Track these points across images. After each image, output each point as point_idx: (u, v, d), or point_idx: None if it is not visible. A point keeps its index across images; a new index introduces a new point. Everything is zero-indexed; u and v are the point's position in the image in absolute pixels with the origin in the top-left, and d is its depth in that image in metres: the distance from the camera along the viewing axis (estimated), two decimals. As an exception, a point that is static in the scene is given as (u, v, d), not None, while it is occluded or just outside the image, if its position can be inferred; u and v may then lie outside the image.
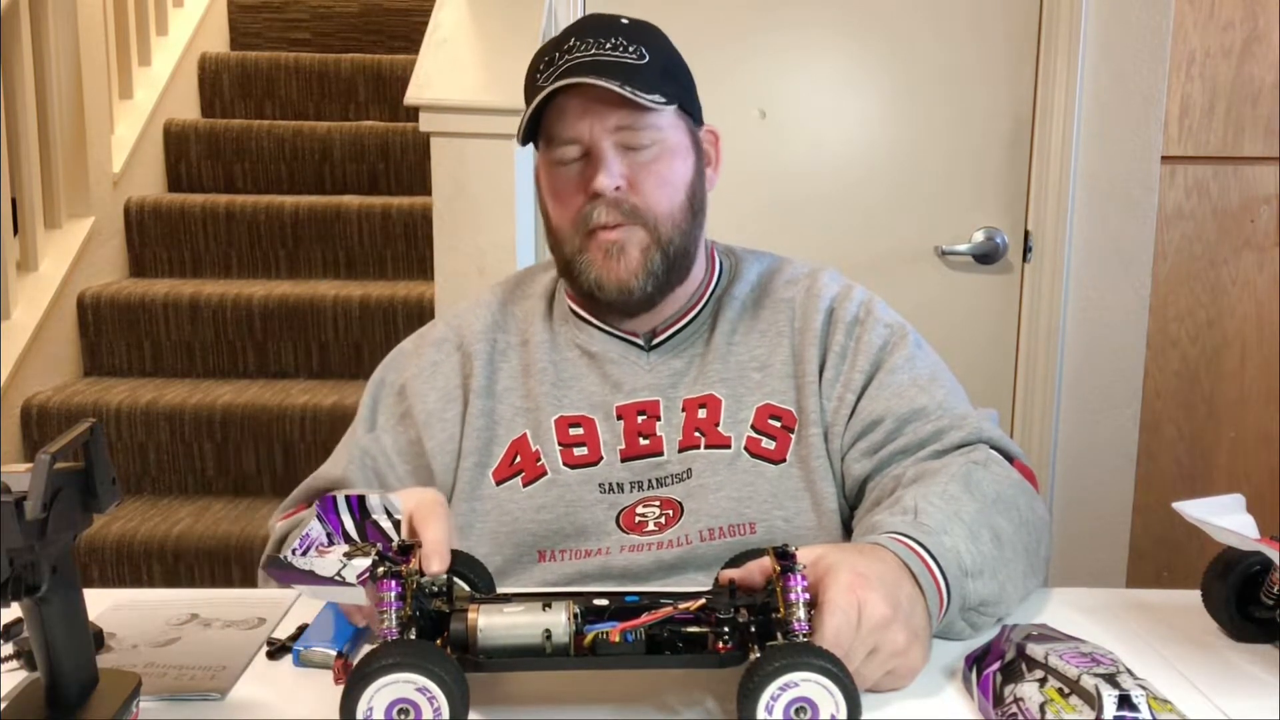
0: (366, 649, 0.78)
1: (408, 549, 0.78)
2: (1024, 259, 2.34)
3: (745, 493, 1.05)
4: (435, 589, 0.79)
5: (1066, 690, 0.70)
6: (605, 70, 1.01)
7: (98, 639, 0.86)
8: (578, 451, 1.07)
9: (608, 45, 1.04)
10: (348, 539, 0.83)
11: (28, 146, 2.48)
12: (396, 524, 0.84)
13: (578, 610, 0.73)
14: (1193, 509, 0.84)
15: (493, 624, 0.73)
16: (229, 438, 2.44)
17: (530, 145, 1.10)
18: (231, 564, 2.20)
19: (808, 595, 0.72)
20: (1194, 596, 0.91)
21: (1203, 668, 0.83)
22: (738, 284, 1.15)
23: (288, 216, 2.88)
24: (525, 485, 1.07)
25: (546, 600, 0.74)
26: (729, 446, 1.06)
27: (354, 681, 0.67)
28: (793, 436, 1.07)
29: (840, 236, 2.34)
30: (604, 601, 0.75)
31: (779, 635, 0.72)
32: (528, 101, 1.06)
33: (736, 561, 0.83)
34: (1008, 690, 0.73)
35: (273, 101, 3.44)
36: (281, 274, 2.91)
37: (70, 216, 2.70)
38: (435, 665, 0.67)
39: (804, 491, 1.06)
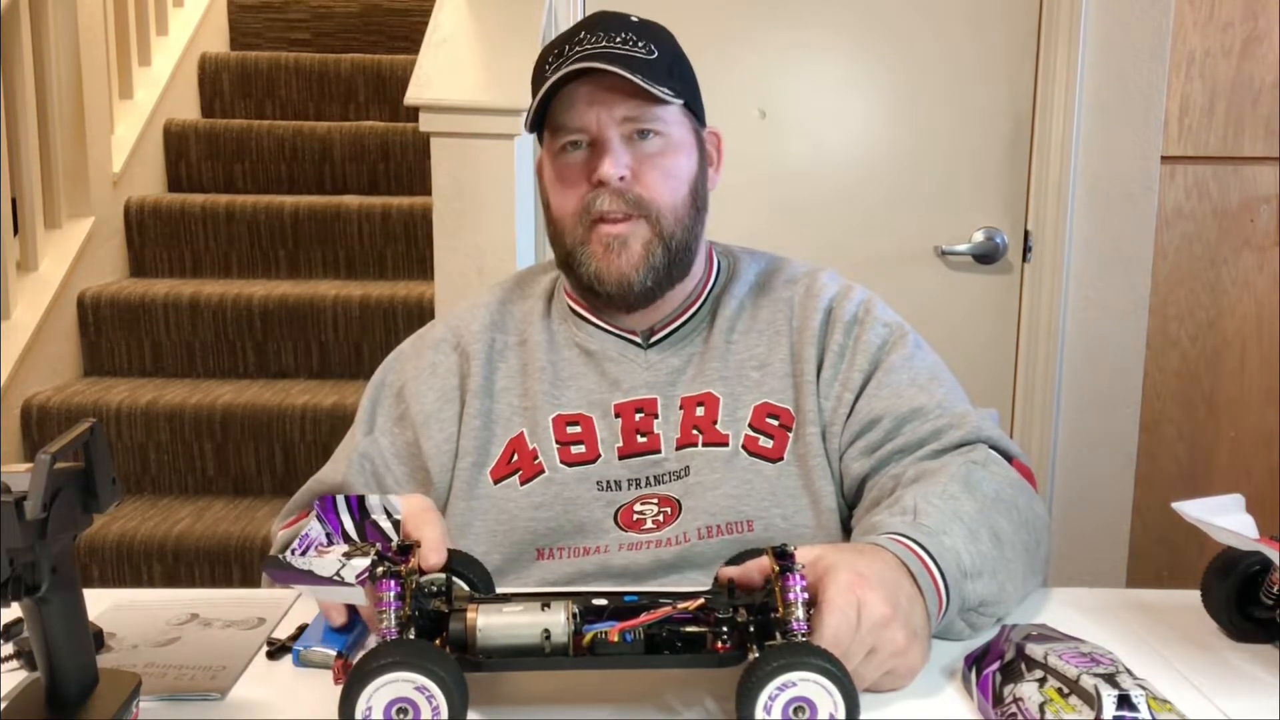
0: (366, 649, 0.78)
1: (406, 549, 0.78)
2: (1024, 259, 2.34)
3: (743, 490, 1.05)
4: (434, 589, 0.79)
5: (1066, 690, 0.70)
6: (615, 61, 1.02)
7: (98, 639, 0.86)
8: (575, 450, 1.07)
9: (618, 39, 1.04)
10: (347, 539, 0.83)
11: (28, 146, 2.48)
12: (396, 524, 0.84)
13: (576, 610, 0.73)
14: (1192, 509, 0.84)
15: (491, 624, 0.73)
16: (229, 438, 2.44)
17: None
18: (231, 564, 2.20)
19: (806, 595, 0.72)
20: (1194, 596, 0.91)
21: (1202, 668, 0.83)
22: (736, 283, 1.16)
23: (288, 216, 2.88)
24: (523, 484, 1.07)
25: (545, 600, 0.74)
26: (727, 445, 1.07)
27: (353, 681, 0.67)
28: (790, 435, 1.07)
29: (840, 236, 2.35)
30: (603, 601, 0.75)
31: (778, 635, 0.72)
32: (536, 90, 1.07)
33: (736, 561, 0.83)
34: (1007, 690, 0.73)
35: (273, 101, 3.44)
36: (281, 274, 2.91)
37: (70, 216, 2.70)
38: (434, 664, 0.67)
39: (802, 490, 1.06)
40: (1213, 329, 2.35)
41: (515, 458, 1.08)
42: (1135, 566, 2.38)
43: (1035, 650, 0.75)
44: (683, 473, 1.06)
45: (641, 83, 1.01)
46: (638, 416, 1.08)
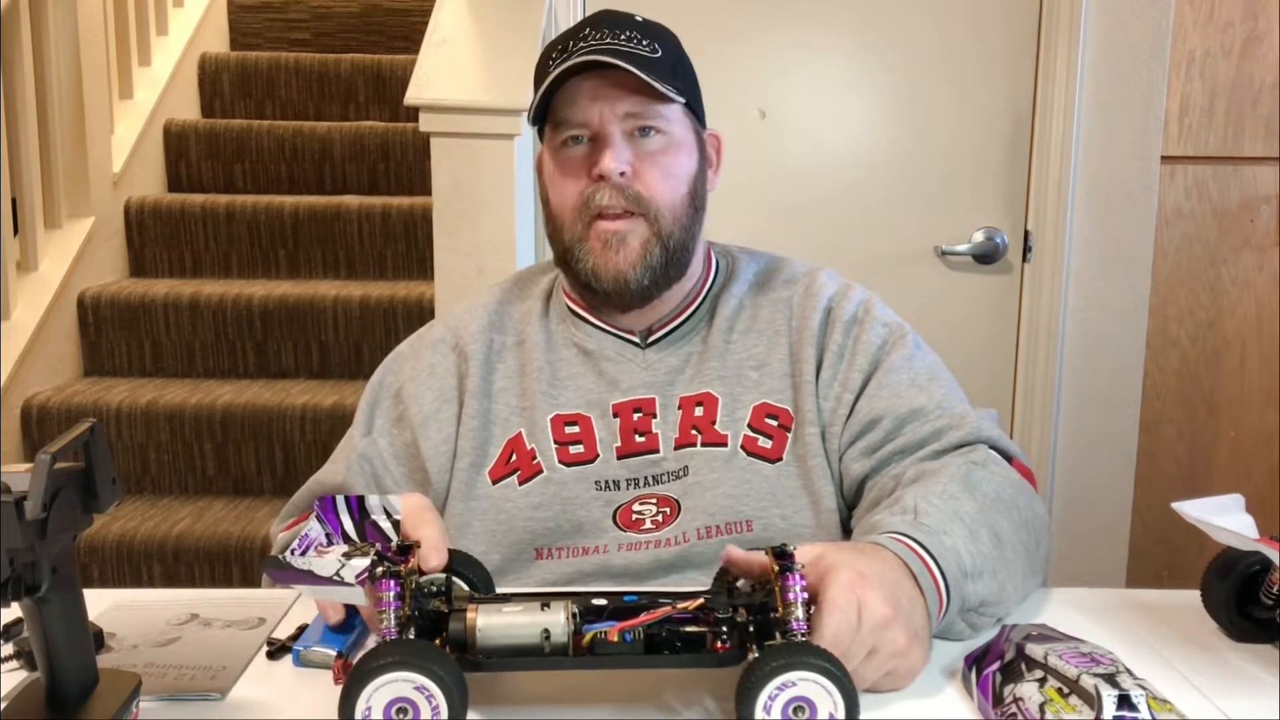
0: (366, 649, 0.78)
1: (406, 549, 0.78)
2: (1024, 259, 2.34)
3: (742, 490, 1.05)
4: (434, 589, 0.79)
5: (1066, 690, 0.70)
6: (621, 58, 1.02)
7: (98, 639, 0.86)
8: (574, 449, 1.07)
9: (622, 37, 1.04)
10: (347, 539, 0.83)
11: (28, 146, 2.48)
12: (395, 524, 0.84)
13: (576, 610, 0.73)
14: (1192, 509, 0.84)
15: (491, 624, 0.73)
16: (229, 438, 2.44)
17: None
18: (231, 564, 2.20)
19: (806, 595, 0.72)
20: (1194, 596, 0.91)
21: (1202, 668, 0.83)
22: (735, 283, 1.16)
23: (288, 216, 2.88)
24: (521, 484, 1.07)
25: (545, 600, 0.74)
26: (725, 445, 1.07)
27: (353, 680, 0.67)
28: (789, 435, 1.07)
29: (840, 236, 2.35)
30: (602, 601, 0.75)
31: (777, 635, 0.72)
32: (540, 84, 1.07)
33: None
34: (1007, 690, 0.73)
35: (273, 101, 3.44)
36: (281, 274, 2.91)
37: (70, 216, 2.70)
38: (434, 664, 0.67)
39: (801, 490, 1.06)
40: (1213, 329, 2.35)
41: (514, 458, 1.08)
42: (1135, 566, 2.38)
43: (1035, 650, 0.75)
44: (681, 473, 1.06)
45: (645, 79, 1.01)
46: (636, 416, 1.08)
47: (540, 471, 1.07)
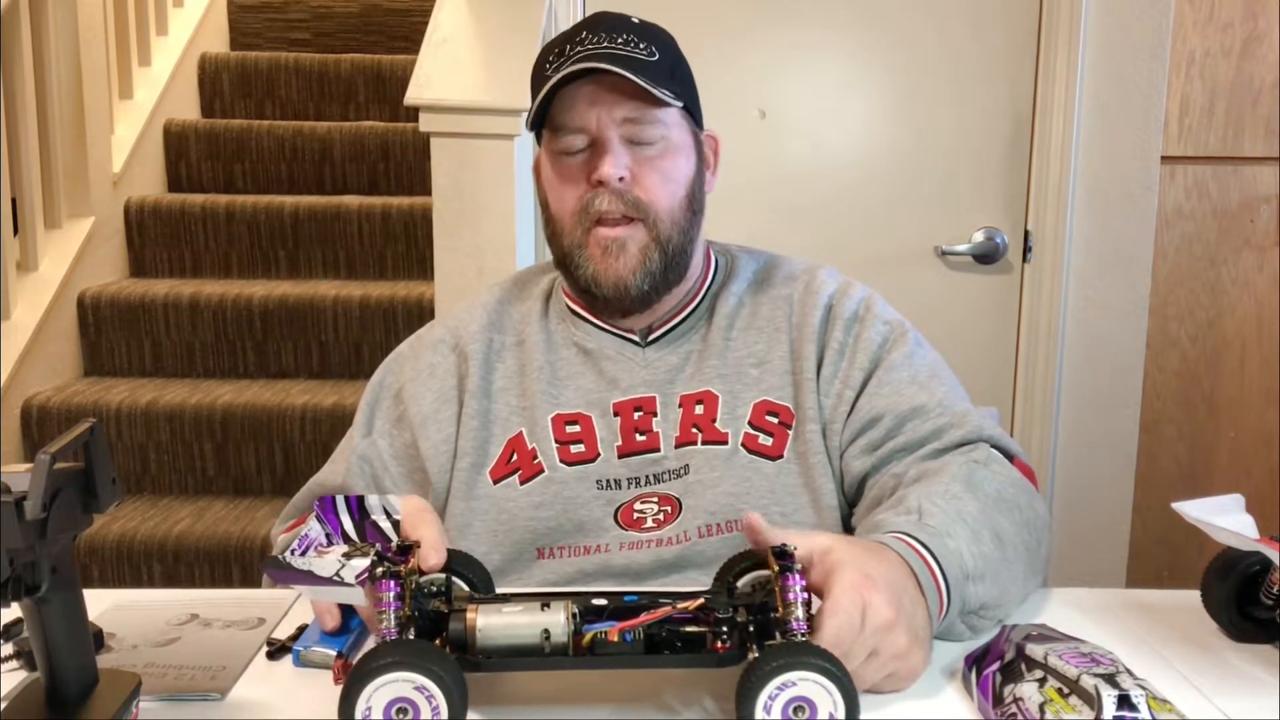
0: (366, 649, 0.78)
1: (406, 550, 0.78)
2: (1024, 259, 2.34)
3: (742, 488, 1.05)
4: (434, 589, 0.79)
5: (1066, 690, 0.70)
6: (618, 62, 1.02)
7: (98, 639, 0.86)
8: (574, 449, 1.07)
9: (619, 40, 1.04)
10: (347, 540, 0.83)
11: (28, 146, 2.48)
12: (395, 525, 0.84)
13: (576, 610, 0.73)
14: (1192, 509, 0.83)
15: (491, 624, 0.73)
16: (229, 438, 2.44)
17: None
18: (231, 564, 2.20)
19: (806, 594, 0.72)
20: (1194, 596, 0.91)
21: (1202, 668, 0.83)
22: (734, 281, 1.16)
23: (288, 216, 2.88)
24: (522, 483, 1.07)
25: (545, 600, 0.74)
26: (726, 443, 1.06)
27: (353, 680, 0.67)
28: (790, 433, 1.07)
29: (840, 236, 2.35)
30: (603, 601, 0.75)
31: (777, 635, 0.72)
32: (536, 90, 1.07)
33: (739, 560, 0.83)
34: (1007, 690, 0.73)
35: (273, 101, 3.44)
36: (281, 274, 2.91)
37: (70, 216, 2.70)
38: (434, 664, 0.67)
39: (802, 488, 1.06)
40: (1213, 329, 2.35)
41: (514, 457, 1.08)
42: (1135, 566, 2.38)
43: (1035, 650, 0.75)
44: (682, 471, 1.06)
45: (643, 84, 1.01)
46: (636, 415, 1.08)
47: (541, 471, 1.07)
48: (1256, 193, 2.30)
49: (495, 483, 1.08)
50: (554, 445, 1.08)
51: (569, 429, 1.08)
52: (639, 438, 1.08)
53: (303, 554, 0.76)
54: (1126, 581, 2.36)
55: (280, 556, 0.74)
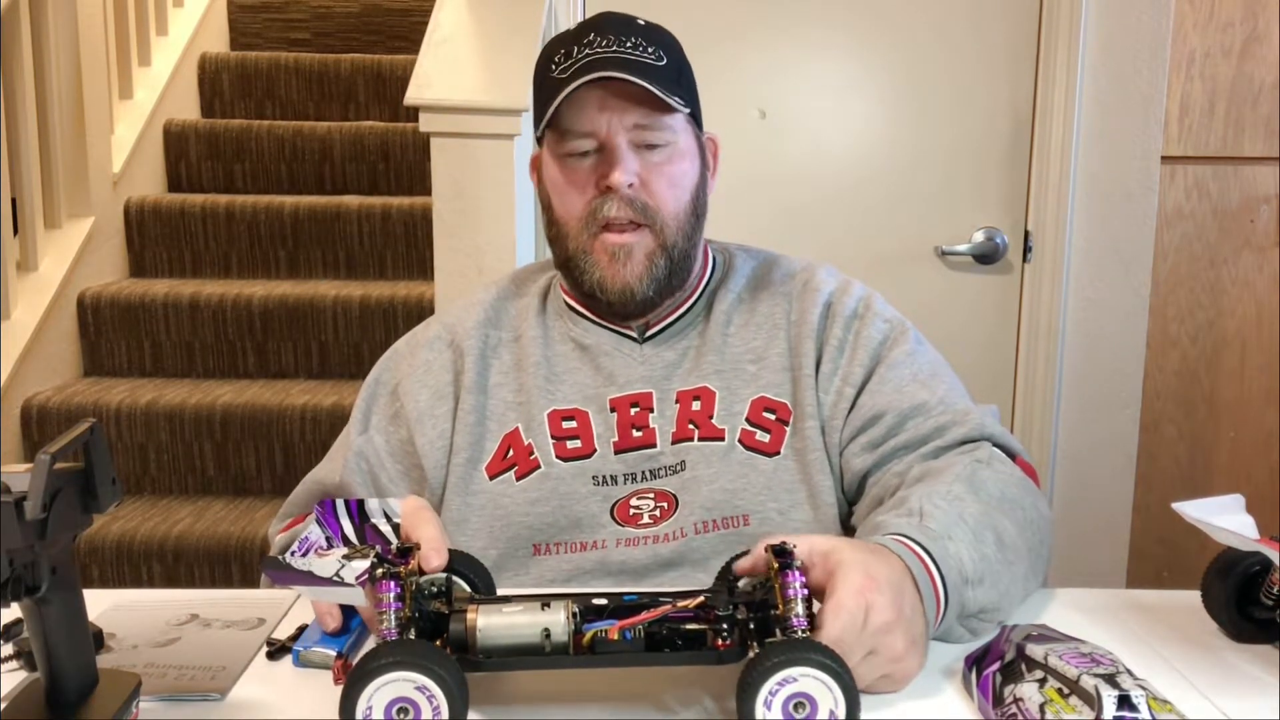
0: (366, 649, 0.78)
1: (406, 551, 0.78)
2: (1024, 259, 2.34)
3: (738, 485, 1.05)
4: (434, 590, 0.79)
5: (1066, 690, 0.70)
6: (629, 68, 1.01)
7: (98, 639, 0.86)
8: (571, 444, 1.07)
9: (628, 44, 1.04)
10: (346, 542, 0.83)
11: (28, 146, 2.48)
12: (395, 528, 0.84)
13: (576, 609, 0.73)
14: (1192, 509, 0.83)
15: (491, 624, 0.73)
16: (229, 438, 2.44)
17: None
18: (231, 564, 2.21)
19: (806, 591, 0.72)
20: (1194, 596, 0.91)
21: (1203, 668, 0.83)
22: (732, 278, 1.16)
23: (288, 216, 2.88)
24: (519, 479, 1.07)
25: (545, 600, 0.74)
26: (723, 439, 1.06)
27: (353, 680, 0.67)
28: (787, 429, 1.07)
29: (840, 236, 2.35)
30: (603, 601, 0.75)
31: (778, 632, 0.72)
32: (543, 91, 1.06)
33: (738, 558, 0.83)
34: (1007, 690, 0.73)
35: (273, 101, 3.44)
36: (281, 274, 2.91)
37: (70, 216, 2.70)
38: (434, 664, 0.67)
39: (799, 485, 1.06)
40: (1213, 329, 2.35)
41: (511, 453, 1.08)
42: (1135, 566, 2.38)
43: (1035, 651, 0.75)
44: (679, 467, 1.06)
45: (660, 94, 1.01)
46: (633, 411, 1.08)
47: (538, 467, 1.07)
48: (1256, 193, 2.30)
49: (491, 478, 1.08)
50: (550, 441, 1.08)
51: (565, 425, 1.08)
52: (636, 434, 1.08)
53: (303, 556, 0.76)
54: (1126, 581, 2.36)
55: (280, 557, 0.74)
